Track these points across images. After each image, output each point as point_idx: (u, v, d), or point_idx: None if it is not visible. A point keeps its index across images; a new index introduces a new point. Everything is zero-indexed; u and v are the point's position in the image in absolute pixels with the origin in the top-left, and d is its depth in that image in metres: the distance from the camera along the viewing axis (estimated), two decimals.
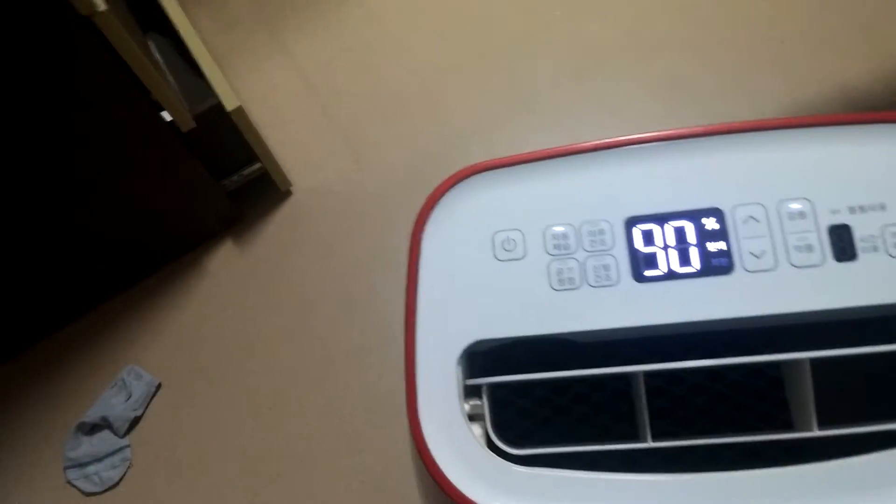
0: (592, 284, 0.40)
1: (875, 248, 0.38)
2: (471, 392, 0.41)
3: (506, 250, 0.41)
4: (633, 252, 0.40)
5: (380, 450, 0.91)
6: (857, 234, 0.39)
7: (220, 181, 1.03)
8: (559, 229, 0.41)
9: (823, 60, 1.07)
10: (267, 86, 1.20)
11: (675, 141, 0.42)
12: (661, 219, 0.40)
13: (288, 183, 1.09)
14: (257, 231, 1.08)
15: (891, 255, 0.38)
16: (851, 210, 0.39)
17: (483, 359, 0.42)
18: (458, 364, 0.41)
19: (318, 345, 0.99)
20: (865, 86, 1.05)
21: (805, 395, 0.38)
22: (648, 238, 0.40)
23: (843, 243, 0.39)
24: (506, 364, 0.42)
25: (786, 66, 1.08)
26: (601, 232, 0.41)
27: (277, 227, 1.08)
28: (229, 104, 0.93)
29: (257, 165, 1.04)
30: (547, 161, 0.42)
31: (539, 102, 1.11)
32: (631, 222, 0.41)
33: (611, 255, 0.40)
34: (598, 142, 0.42)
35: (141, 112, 0.83)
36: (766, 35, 1.11)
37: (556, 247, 0.41)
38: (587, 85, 1.11)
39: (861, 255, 0.38)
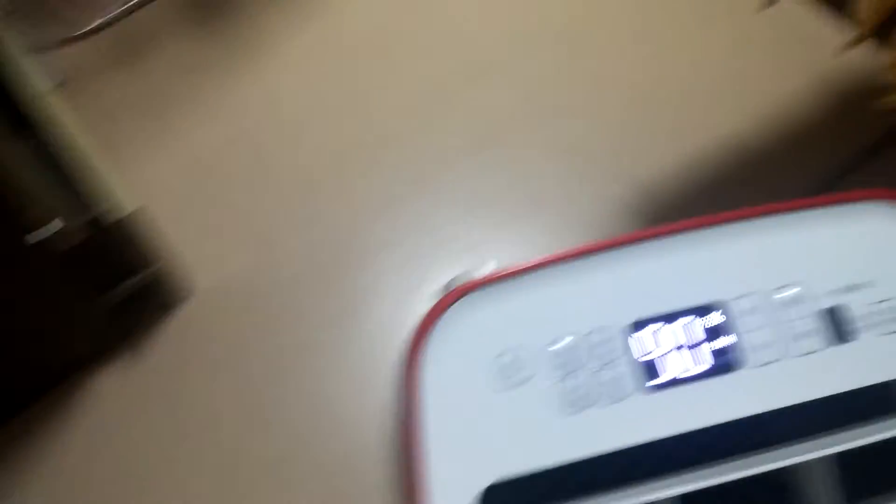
0: (605, 401, 0.38)
1: (868, 327, 0.39)
2: None
3: (510, 375, 0.39)
4: (644, 359, 0.39)
5: None
6: (851, 314, 0.39)
7: (108, 292, 0.94)
8: (564, 342, 0.39)
9: (715, 117, 1.13)
10: (159, 178, 1.11)
11: (666, 237, 0.41)
12: (667, 318, 0.39)
13: (186, 284, 1.01)
14: (154, 342, 0.99)
15: (883, 333, 0.39)
16: (843, 290, 0.40)
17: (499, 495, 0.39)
18: None
19: (228, 463, 0.91)
20: (758, 139, 1.11)
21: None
22: (656, 341, 0.39)
23: (837, 325, 0.39)
24: (520, 494, 0.39)
25: (679, 124, 1.13)
26: (608, 340, 0.39)
27: (176, 334, 0.99)
28: (118, 209, 0.85)
29: (152, 269, 0.96)
30: (545, 269, 0.41)
31: (440, 176, 1.10)
32: (636, 325, 0.39)
33: (620, 364, 0.39)
34: (590, 244, 0.41)
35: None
36: (656, 96, 1.16)
37: (563, 364, 0.39)
38: (487, 155, 1.11)
39: (856, 336, 0.39)
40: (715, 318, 0.39)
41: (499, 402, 0.38)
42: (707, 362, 0.39)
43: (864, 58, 1.14)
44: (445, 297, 0.40)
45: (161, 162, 1.12)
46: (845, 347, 0.39)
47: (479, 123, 1.16)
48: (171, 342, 0.99)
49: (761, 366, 0.38)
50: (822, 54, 1.20)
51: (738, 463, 0.37)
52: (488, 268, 0.45)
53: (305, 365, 1.00)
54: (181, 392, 0.95)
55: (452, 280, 0.48)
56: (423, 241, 1.06)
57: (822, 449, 0.36)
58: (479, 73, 1.21)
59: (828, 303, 0.39)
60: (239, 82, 1.20)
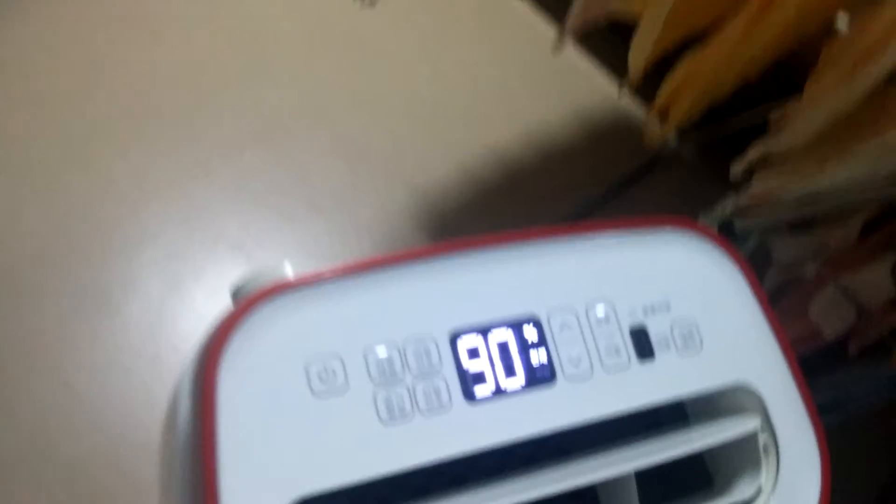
0: (425, 412, 0.36)
1: (667, 347, 0.41)
2: None
3: (321, 385, 0.35)
4: (461, 370, 0.37)
5: None
6: (652, 334, 0.41)
7: None
8: (379, 352, 0.36)
9: (480, 134, 1.17)
10: None
11: (486, 249, 0.40)
12: (484, 330, 0.38)
13: None
14: None
15: (679, 352, 0.41)
16: (645, 311, 0.41)
17: None
18: None
19: None
20: (518, 152, 1.17)
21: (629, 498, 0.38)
22: (474, 353, 0.38)
23: (642, 344, 0.41)
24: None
25: (456, 137, 1.16)
26: (425, 351, 0.37)
27: None
28: None
29: None
30: (359, 275, 0.37)
31: (218, 167, 1.02)
32: (455, 335, 0.38)
33: (439, 374, 0.37)
34: (409, 252, 0.38)
35: None
36: (436, 109, 1.18)
37: (382, 373, 0.36)
38: (266, 148, 1.06)
39: (657, 355, 0.41)
40: (530, 333, 0.39)
41: (308, 414, 0.34)
42: (522, 376, 0.38)
43: (627, 100, 1.25)
44: (248, 300, 0.35)
45: None
46: (646, 366, 0.40)
47: (260, 117, 1.10)
48: None
49: (573, 380, 0.39)
50: (589, 89, 1.31)
51: (549, 476, 0.37)
52: (284, 271, 0.41)
53: (54, 355, 0.87)
54: None
55: (242, 284, 0.43)
56: (192, 236, 0.97)
57: (626, 462, 0.37)
58: (265, 67, 1.15)
59: (633, 321, 0.41)
60: None
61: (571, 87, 1.29)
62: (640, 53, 0.66)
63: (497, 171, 1.16)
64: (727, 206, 0.74)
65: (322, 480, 0.34)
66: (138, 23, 1.10)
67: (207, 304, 0.92)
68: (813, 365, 0.70)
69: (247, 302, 0.35)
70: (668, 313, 0.42)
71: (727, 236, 0.68)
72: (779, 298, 0.75)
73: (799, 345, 0.70)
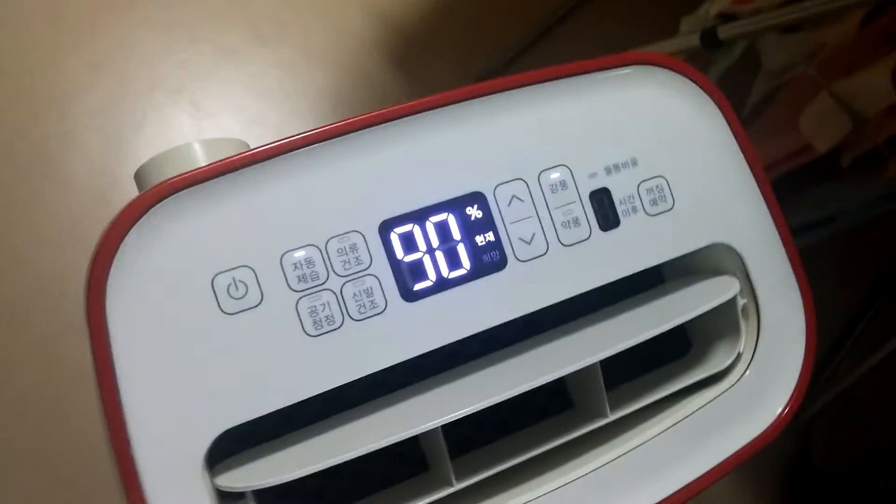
0: (356, 318, 0.32)
1: (634, 210, 0.36)
2: (229, 498, 0.31)
3: (234, 298, 0.30)
4: (395, 265, 0.32)
5: None
6: (616, 196, 0.36)
7: None
8: (300, 254, 0.31)
9: None
10: None
11: (414, 116, 0.33)
12: (419, 216, 0.33)
13: None
14: None
15: (648, 214, 0.36)
16: (607, 171, 0.36)
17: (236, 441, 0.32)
18: (204, 469, 0.30)
19: None
20: None
21: (595, 386, 0.35)
22: (409, 243, 0.33)
23: (605, 210, 0.35)
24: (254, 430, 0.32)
25: None
26: (354, 247, 0.32)
27: None
28: None
29: None
30: (265, 163, 0.31)
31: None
32: (386, 226, 0.32)
33: (371, 274, 0.32)
34: (323, 128, 0.32)
35: None
36: None
37: (302, 278, 0.31)
38: None
39: (623, 220, 0.36)
40: (473, 212, 0.33)
41: (220, 335, 0.30)
42: (468, 263, 0.33)
43: None
44: (133, 203, 0.29)
45: None
46: (610, 235, 0.35)
47: None
48: None
49: (527, 261, 0.34)
50: None
51: (505, 373, 0.34)
52: (192, 154, 0.35)
53: (10, 232, 0.82)
54: None
55: (143, 166, 0.37)
56: (125, 83, 0.88)
57: (593, 351, 0.33)
58: None
59: (593, 185, 0.35)
60: None
61: None
62: None
63: None
64: (711, 8, 0.65)
65: (244, 410, 0.30)
66: None
67: None
68: (802, 179, 0.66)
69: (129, 206, 0.30)
70: (634, 169, 0.36)
71: (710, 45, 0.61)
72: (766, 109, 0.68)
73: (789, 159, 0.65)
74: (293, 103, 0.92)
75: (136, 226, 0.29)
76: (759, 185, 0.37)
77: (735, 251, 0.37)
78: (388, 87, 0.96)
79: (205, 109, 0.89)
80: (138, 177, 0.38)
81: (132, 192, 0.85)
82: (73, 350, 0.79)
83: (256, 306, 0.30)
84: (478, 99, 0.34)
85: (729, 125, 0.37)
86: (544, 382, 0.32)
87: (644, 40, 0.74)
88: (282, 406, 0.30)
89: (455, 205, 0.33)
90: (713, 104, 0.37)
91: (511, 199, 0.34)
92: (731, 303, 0.36)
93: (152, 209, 0.30)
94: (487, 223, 0.34)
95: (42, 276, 0.80)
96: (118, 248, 0.29)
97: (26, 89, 0.84)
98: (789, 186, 0.63)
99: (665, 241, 0.36)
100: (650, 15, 1.02)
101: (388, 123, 0.33)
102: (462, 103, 0.34)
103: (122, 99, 0.87)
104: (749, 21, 0.57)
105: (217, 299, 0.30)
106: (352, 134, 0.32)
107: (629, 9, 1.04)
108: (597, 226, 0.35)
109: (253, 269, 0.30)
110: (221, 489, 0.30)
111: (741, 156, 0.37)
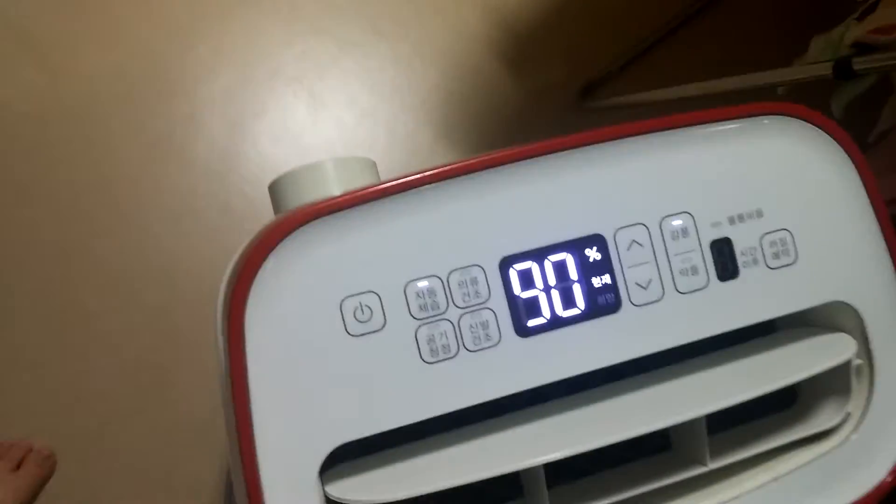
0: (471, 349, 0.33)
1: (755, 262, 0.36)
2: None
3: (360, 321, 0.32)
4: (512, 300, 0.33)
5: None
6: (738, 247, 0.35)
7: None
8: (424, 284, 0.32)
9: None
10: None
11: (541, 158, 0.34)
12: (538, 255, 0.34)
13: None
14: None
15: (769, 267, 0.36)
16: (731, 221, 0.35)
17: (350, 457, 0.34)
18: (318, 479, 0.32)
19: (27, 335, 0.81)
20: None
21: (697, 435, 0.35)
22: (527, 280, 0.33)
23: (724, 260, 0.35)
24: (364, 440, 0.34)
25: None
26: (474, 281, 0.33)
27: None
28: None
29: None
30: (397, 196, 0.33)
31: None
32: (506, 263, 0.33)
33: (488, 308, 0.33)
34: (453, 166, 0.33)
35: None
36: None
37: (423, 307, 0.32)
38: None
39: (742, 271, 0.35)
40: (592, 254, 0.34)
41: (345, 353, 0.32)
42: (582, 304, 0.34)
43: None
44: (274, 229, 0.31)
45: None
46: (728, 285, 0.35)
47: None
48: None
49: (642, 305, 0.34)
50: None
51: (606, 420, 0.34)
52: (324, 173, 0.37)
53: (133, 201, 0.88)
54: None
55: (278, 181, 0.39)
56: (248, 70, 0.92)
57: (700, 403, 0.33)
58: None
59: (715, 235, 0.35)
60: None
61: None
62: None
63: None
64: (846, 35, 0.62)
65: (361, 427, 0.32)
66: None
67: (270, 145, 0.89)
68: None
69: (269, 233, 0.32)
70: (758, 220, 0.36)
71: (844, 77, 0.58)
72: (891, 140, 0.65)
73: None
74: (404, 99, 0.94)
75: (276, 249, 0.31)
76: (886, 243, 0.36)
77: (854, 310, 0.36)
78: (497, 86, 0.96)
79: (321, 100, 0.92)
80: (273, 189, 0.40)
81: (248, 175, 0.89)
82: (184, 321, 0.84)
83: (379, 330, 0.32)
84: (604, 143, 0.34)
85: (862, 180, 0.36)
86: (652, 430, 0.32)
87: (768, 54, 0.72)
88: (394, 426, 0.32)
89: (575, 245, 0.34)
90: (847, 158, 0.36)
91: (631, 244, 0.34)
92: (845, 364, 0.36)
93: (291, 234, 0.31)
94: (605, 265, 0.34)
95: (162, 250, 0.85)
96: (259, 269, 0.31)
97: (160, 72, 0.89)
98: None
99: (784, 295, 0.36)
100: (777, 24, 0.98)
101: (515, 164, 0.33)
102: (588, 147, 0.34)
103: (244, 85, 0.91)
104: (890, 55, 0.54)
105: (344, 321, 0.32)
106: (478, 173, 0.33)
107: (751, 20, 1.01)
108: (715, 275, 0.35)
109: (379, 295, 0.32)
110: (332, 499, 0.32)
111: (871, 213, 0.36)
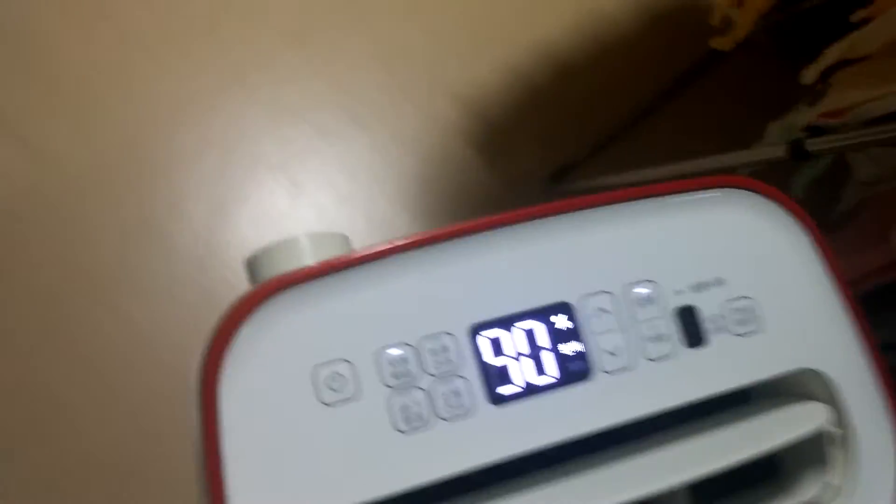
0: (445, 417, 0.33)
1: (721, 329, 0.36)
2: None
3: (332, 389, 0.32)
4: (483, 367, 0.34)
5: None
6: (703, 314, 0.36)
7: None
8: (396, 352, 0.33)
9: (529, 29, 1.08)
10: None
11: (508, 227, 0.35)
12: (507, 321, 0.34)
13: None
14: None
15: (736, 335, 0.37)
16: (694, 288, 0.37)
17: None
18: None
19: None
20: (569, 45, 1.08)
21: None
22: (497, 347, 0.34)
23: (691, 327, 0.36)
24: None
25: (496, 35, 1.07)
26: (445, 348, 0.33)
27: None
28: None
29: None
30: (368, 265, 0.34)
31: (253, 78, 0.97)
32: (476, 329, 0.34)
33: (460, 375, 0.33)
34: (422, 235, 0.34)
35: None
36: (478, 6, 1.09)
37: (395, 375, 0.33)
38: (303, 56, 1.00)
39: (710, 338, 0.36)
40: (561, 322, 0.35)
41: (317, 422, 0.32)
42: (554, 371, 0.34)
43: None
44: (249, 296, 0.32)
45: None
46: (697, 352, 0.36)
47: (293, 17, 1.03)
48: None
49: (613, 372, 0.35)
50: None
51: (582, 488, 0.34)
52: (299, 248, 0.38)
53: (111, 287, 0.88)
54: None
55: (255, 256, 0.40)
56: (231, 157, 0.94)
57: (676, 472, 0.33)
58: None
59: (679, 302, 0.36)
60: None
61: None
62: None
63: (547, 70, 1.08)
64: (798, 119, 0.66)
65: (335, 499, 0.31)
66: None
67: (251, 230, 0.91)
68: (890, 297, 0.64)
69: (246, 300, 0.32)
70: (721, 288, 0.37)
71: (799, 158, 0.61)
72: (855, 220, 0.68)
73: (880, 273, 0.64)
74: (381, 185, 0.96)
75: (248, 318, 0.32)
76: (847, 309, 0.37)
77: (825, 377, 0.37)
78: (471, 172, 0.99)
79: (301, 186, 0.94)
80: (249, 265, 0.41)
81: (228, 260, 0.90)
82: (161, 410, 0.82)
83: (352, 399, 0.32)
84: (568, 213, 0.36)
85: (818, 250, 0.38)
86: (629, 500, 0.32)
87: (727, 141, 0.75)
88: (369, 499, 0.32)
89: (542, 313, 0.35)
90: (801, 228, 0.38)
91: (598, 311, 0.35)
92: (818, 432, 0.36)
93: (264, 303, 0.32)
94: (574, 333, 0.35)
95: (142, 334, 0.84)
96: (233, 338, 0.31)
97: (142, 159, 0.91)
98: (881, 301, 0.62)
99: (752, 362, 0.37)
100: (734, 114, 1.03)
101: (481, 233, 0.35)
102: (552, 216, 0.36)
103: (225, 171, 0.93)
104: (840, 137, 0.57)
105: (317, 389, 0.32)
106: (447, 241, 0.34)
107: (709, 109, 1.06)
108: (683, 342, 0.36)
109: (351, 363, 0.32)
110: None
111: (830, 280, 0.38)
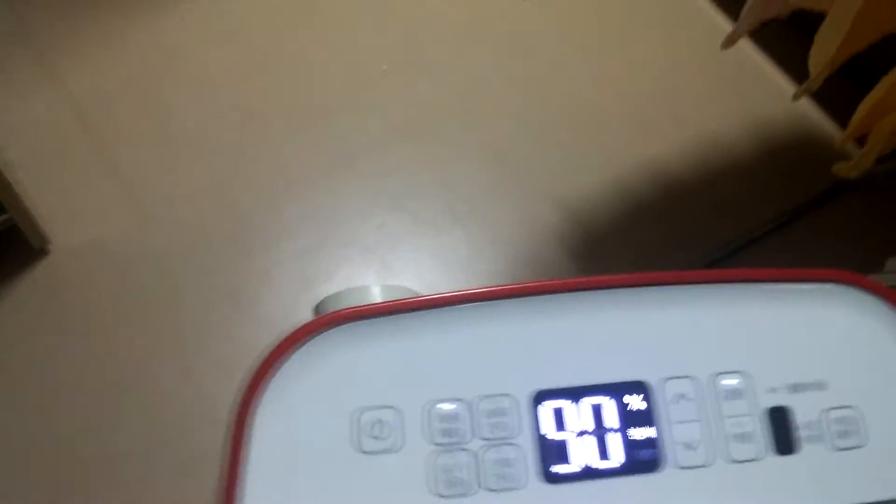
0: (492, 488, 0.30)
1: (818, 438, 0.32)
2: None
3: (374, 437, 0.30)
4: (541, 441, 0.31)
5: None
6: (798, 419, 0.32)
7: None
8: (448, 407, 0.30)
9: (641, 145, 1.08)
10: (27, 118, 0.97)
11: (592, 292, 0.33)
12: (575, 393, 0.31)
13: (45, 240, 0.88)
14: (1, 300, 0.86)
15: (835, 448, 0.32)
16: (791, 389, 0.32)
17: None
18: None
19: (64, 449, 0.79)
20: (681, 167, 1.06)
21: None
22: (560, 421, 0.31)
23: (783, 431, 0.32)
24: None
25: (612, 147, 1.07)
26: (502, 412, 0.31)
27: (27, 295, 0.86)
28: None
29: (3, 217, 0.83)
30: (430, 310, 0.32)
31: (361, 163, 1.00)
32: (539, 397, 0.31)
33: (514, 444, 0.30)
34: (496, 289, 0.32)
35: None
36: (592, 114, 1.09)
37: (445, 433, 0.30)
38: (412, 147, 1.02)
39: (803, 447, 0.32)
40: (635, 402, 0.31)
41: (353, 470, 0.29)
42: (619, 456, 0.31)
43: (811, 111, 1.11)
44: (301, 327, 0.31)
45: (30, 100, 0.98)
46: (786, 460, 0.31)
47: (409, 114, 1.06)
48: (22, 301, 0.86)
49: (687, 468, 0.31)
50: (766, 99, 1.16)
51: None
52: (369, 295, 0.37)
53: (177, 348, 0.89)
54: (27, 360, 0.83)
55: (324, 299, 0.39)
56: (327, 235, 0.96)
57: None
58: (419, 59, 1.12)
59: (772, 401, 0.32)
60: (131, 25, 1.07)
61: (752, 95, 1.15)
62: (822, 52, 0.55)
63: (656, 188, 1.06)
64: None
65: None
66: (292, 9, 1.11)
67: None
68: None
69: (297, 330, 0.31)
70: (822, 393, 0.33)
71: None
72: None
73: None
74: (469, 279, 0.95)
75: (300, 347, 0.30)
76: None
77: None
78: (562, 277, 0.97)
79: (391, 270, 0.94)
80: (318, 308, 0.40)
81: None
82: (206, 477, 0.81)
83: (394, 451, 0.30)
84: (663, 286, 0.33)
85: None
86: None
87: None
88: None
89: (616, 389, 0.31)
90: None
91: (678, 397, 0.32)
92: None
93: (319, 334, 0.31)
94: (647, 416, 0.31)
95: (206, 398, 0.84)
96: (279, 366, 0.30)
97: (245, 227, 0.94)
98: None
99: (850, 482, 0.32)
100: (847, 250, 0.97)
101: (563, 294, 0.32)
102: (644, 288, 0.33)
103: (319, 248, 0.94)
104: None
105: (357, 435, 0.30)
106: (523, 298, 0.32)
107: (823, 241, 1.00)
108: (771, 447, 0.32)
109: (399, 412, 0.30)
110: None
111: None
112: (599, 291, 0.32)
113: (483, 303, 0.32)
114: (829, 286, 0.34)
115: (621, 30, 1.18)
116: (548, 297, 0.32)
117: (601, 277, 0.32)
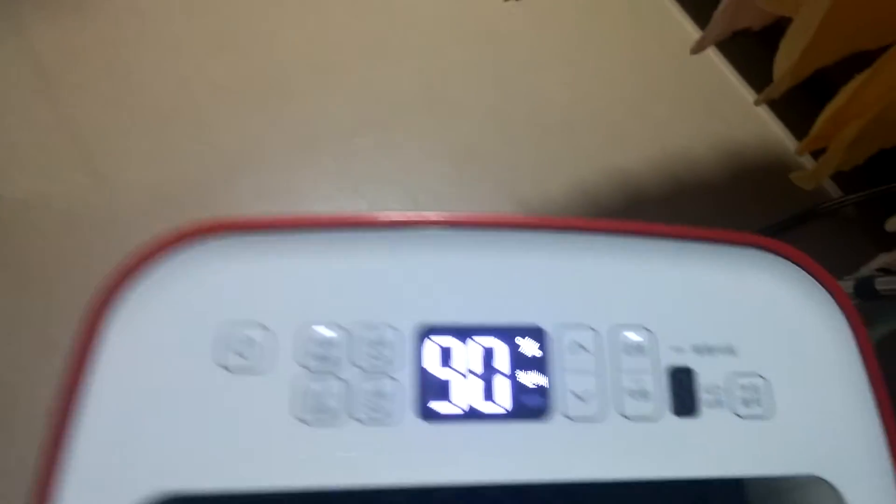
0: (360, 419, 0.27)
1: (720, 403, 0.30)
2: None
3: (238, 354, 0.27)
4: (423, 376, 0.28)
5: None
6: (702, 382, 0.30)
7: None
8: (325, 332, 0.28)
9: (609, 152, 1.07)
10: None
11: (495, 229, 0.31)
12: (464, 332, 0.29)
13: None
14: None
15: (737, 415, 0.30)
16: (697, 350, 0.30)
17: None
18: None
19: None
20: (648, 177, 1.05)
21: None
22: (446, 358, 0.29)
23: (683, 391, 0.30)
24: None
25: (580, 151, 1.06)
26: (384, 342, 0.28)
27: None
28: None
29: None
30: (321, 232, 0.30)
31: (325, 145, 0.98)
32: (425, 331, 0.29)
33: (393, 377, 0.28)
34: (395, 215, 0.30)
35: None
36: (564, 118, 1.09)
37: (318, 357, 0.28)
38: (378, 134, 1.01)
39: (703, 411, 0.30)
40: (528, 347, 0.29)
41: (212, 386, 0.27)
42: (506, 400, 0.28)
43: (782, 136, 1.10)
44: (169, 235, 0.28)
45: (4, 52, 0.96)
46: (684, 422, 0.29)
47: (370, 100, 1.05)
48: None
49: (576, 420, 0.29)
50: (738, 120, 1.16)
51: None
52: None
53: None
54: None
55: None
56: (277, 213, 0.94)
57: None
58: (390, 50, 1.11)
59: (675, 360, 0.30)
60: None
61: (724, 115, 1.15)
62: (786, 54, 0.54)
63: (620, 196, 1.05)
64: (874, 263, 0.59)
65: (198, 479, 0.26)
66: None
67: None
68: None
69: (169, 238, 0.29)
70: (730, 358, 0.31)
71: (865, 296, 0.54)
72: None
73: None
74: None
75: (171, 252, 0.28)
76: (879, 411, 0.30)
77: (836, 490, 0.30)
78: None
79: None
80: None
81: None
82: None
83: (258, 372, 0.27)
84: (568, 232, 0.31)
85: (855, 339, 0.31)
86: None
87: None
88: (241, 489, 0.26)
89: (508, 332, 0.29)
90: (836, 307, 0.32)
91: (575, 346, 0.30)
92: None
93: (194, 241, 0.28)
94: (539, 363, 0.29)
95: None
96: (144, 269, 0.28)
97: (197, 197, 0.92)
98: None
99: (751, 452, 0.30)
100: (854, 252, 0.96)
101: (463, 229, 0.30)
102: (550, 231, 0.31)
103: None
104: None
105: (220, 350, 0.27)
106: (419, 229, 0.30)
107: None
108: (670, 407, 0.30)
109: (269, 331, 0.28)
110: None
111: (863, 374, 0.31)
112: (501, 230, 0.30)
113: (375, 230, 0.30)
114: (749, 251, 0.32)
115: (598, 38, 1.18)
116: (446, 230, 0.30)
117: (502, 216, 0.31)
